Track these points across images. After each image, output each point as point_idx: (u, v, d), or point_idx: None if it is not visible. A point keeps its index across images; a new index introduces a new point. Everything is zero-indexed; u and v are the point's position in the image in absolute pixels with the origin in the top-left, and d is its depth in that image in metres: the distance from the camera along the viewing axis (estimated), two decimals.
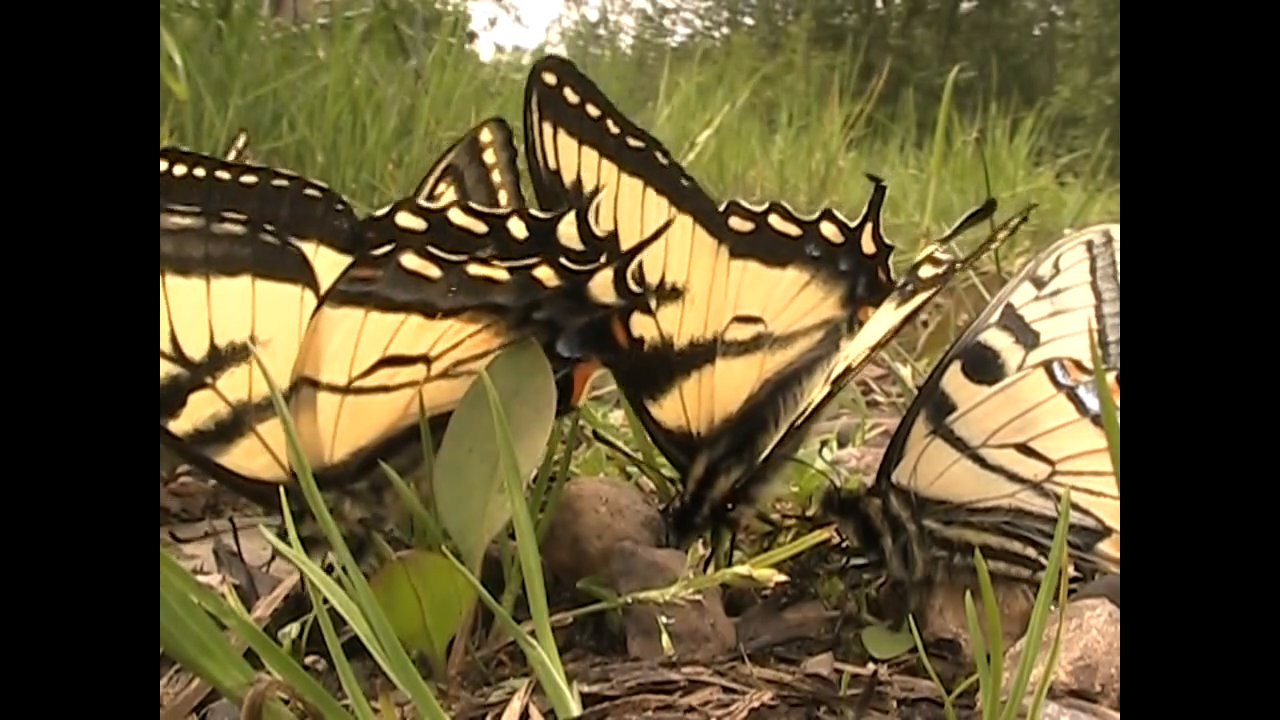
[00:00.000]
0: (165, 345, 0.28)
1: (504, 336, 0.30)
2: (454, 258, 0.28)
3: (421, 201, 0.29)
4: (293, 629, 0.30)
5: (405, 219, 0.29)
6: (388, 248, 0.28)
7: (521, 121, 0.33)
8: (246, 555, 0.34)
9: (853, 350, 0.31)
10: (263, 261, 0.29)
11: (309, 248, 0.29)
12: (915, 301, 0.30)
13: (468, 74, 1.16)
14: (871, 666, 0.30)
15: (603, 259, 0.29)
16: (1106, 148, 1.68)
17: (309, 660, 0.30)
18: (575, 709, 0.25)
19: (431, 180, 0.38)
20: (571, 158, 0.33)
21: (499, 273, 0.28)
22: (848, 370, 0.30)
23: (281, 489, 0.25)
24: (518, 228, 0.29)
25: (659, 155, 0.33)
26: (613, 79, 1.48)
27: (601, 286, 0.30)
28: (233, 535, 0.34)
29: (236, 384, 0.29)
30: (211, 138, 0.84)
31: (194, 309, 0.28)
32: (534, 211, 0.30)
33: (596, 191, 0.31)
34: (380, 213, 0.30)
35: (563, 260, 0.29)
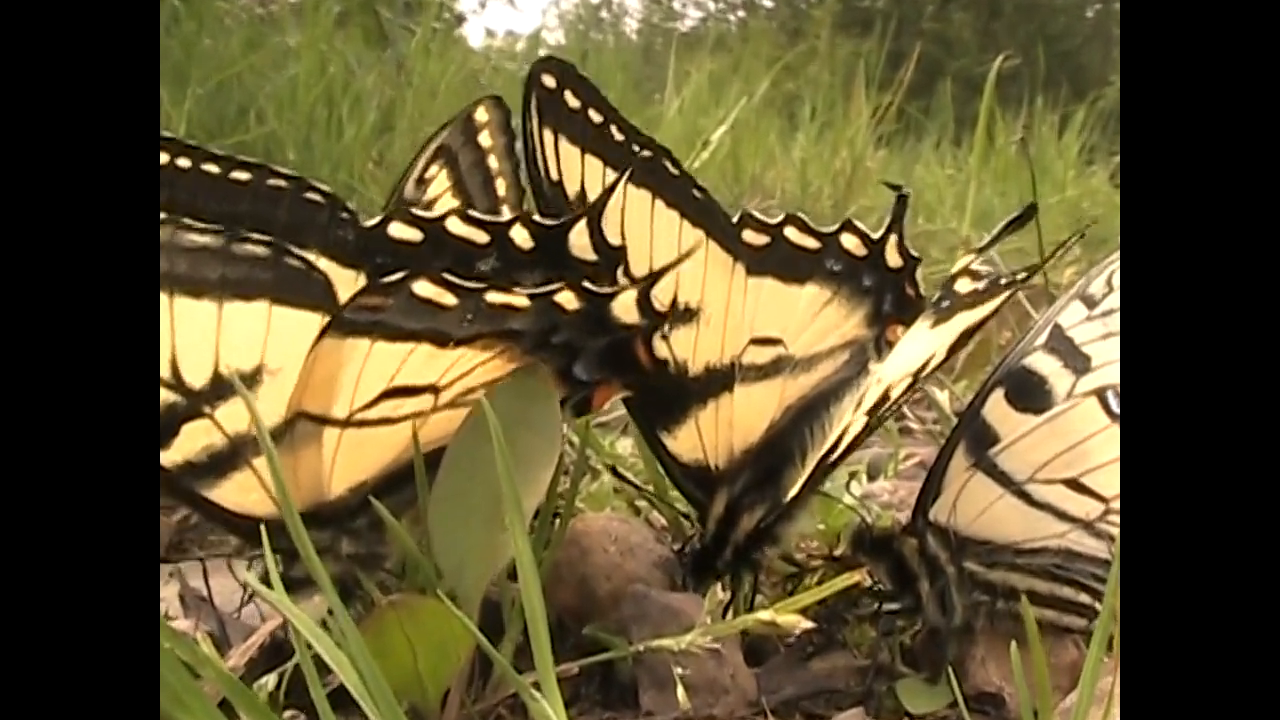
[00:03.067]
0: (165, 371, 0.29)
1: (518, 362, 0.31)
2: (472, 285, 0.29)
3: (417, 211, 0.30)
4: (269, 680, 0.30)
5: (399, 230, 0.30)
6: (400, 275, 0.28)
7: (520, 111, 0.33)
8: (216, 598, 0.34)
9: (886, 373, 0.32)
10: (284, 286, 0.29)
11: (308, 259, 0.30)
12: (963, 320, 0.30)
13: (455, 62, 1.16)
14: None
15: (624, 281, 0.30)
16: None
17: (287, 715, 0.30)
18: None
19: (422, 161, 0.39)
20: (574, 167, 0.33)
21: (519, 299, 0.29)
22: (885, 398, 0.31)
23: (263, 526, 0.26)
24: (523, 237, 0.30)
25: (668, 165, 0.34)
26: (617, 68, 1.46)
27: (624, 307, 0.30)
28: (202, 577, 0.35)
29: (237, 415, 0.30)
30: (170, 129, 0.83)
31: (202, 333, 0.29)
32: (540, 219, 0.30)
33: (609, 193, 0.31)
34: (371, 223, 0.30)
35: (586, 285, 0.29)
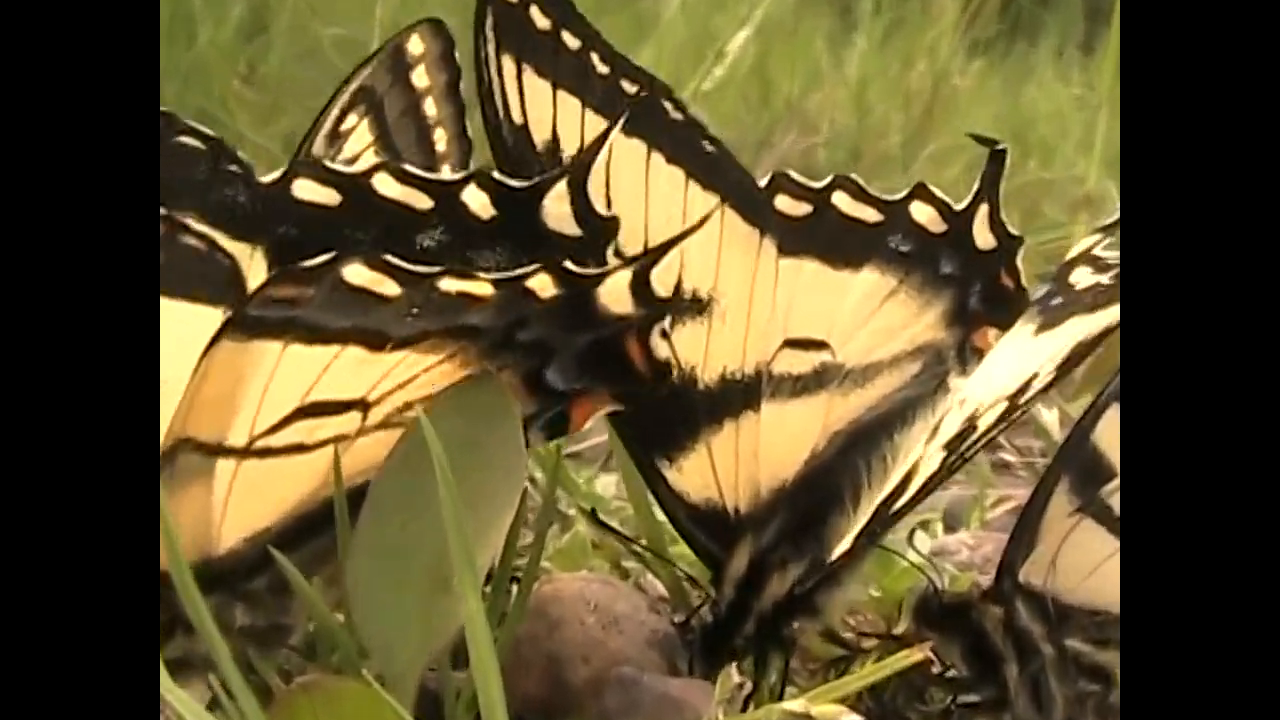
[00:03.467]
0: None
1: (473, 366, 0.33)
2: (423, 269, 0.30)
3: (333, 164, 0.32)
4: None
5: (309, 190, 0.32)
6: (326, 256, 0.30)
7: (472, 37, 0.36)
8: None
9: (973, 393, 0.34)
10: (175, 272, 0.31)
11: (212, 236, 0.32)
12: (1080, 326, 0.33)
13: None
14: None
15: (615, 261, 0.32)
16: None
17: None
18: None
19: (336, 110, 0.41)
20: (544, 108, 0.36)
21: (482, 286, 0.31)
22: (971, 427, 0.33)
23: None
24: (480, 202, 0.32)
25: (669, 106, 0.36)
26: None
27: (614, 294, 0.32)
28: None
29: None
30: None
31: None
32: (503, 178, 0.32)
33: (600, 143, 0.33)
34: (270, 179, 0.32)
35: (567, 266, 0.31)
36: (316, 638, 0.37)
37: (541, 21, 0.36)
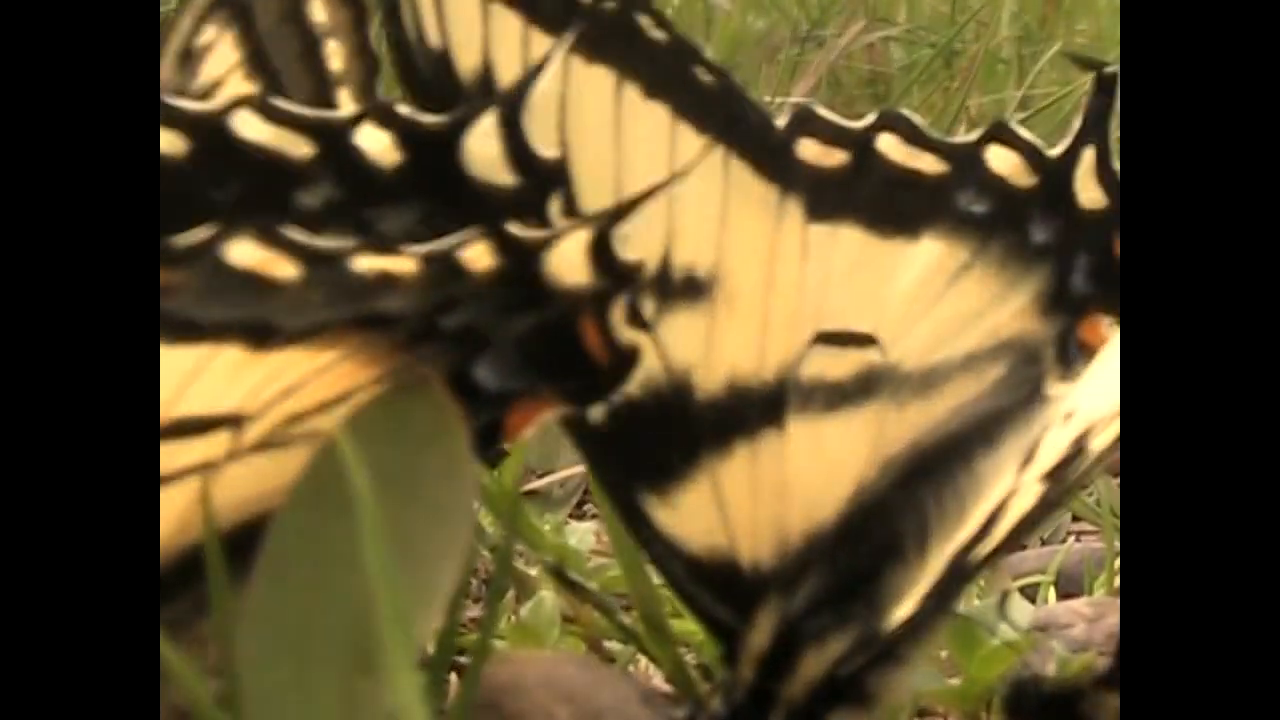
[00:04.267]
0: None
1: (379, 366, 0.28)
2: (329, 245, 0.26)
3: (180, 101, 0.27)
4: None
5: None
6: (205, 231, 0.26)
7: None
8: None
9: (1084, 405, 0.29)
10: None
11: None
12: None
13: None
14: None
15: (565, 223, 0.27)
16: None
17: None
18: None
19: (188, 21, 0.36)
20: (472, 25, 0.31)
21: (404, 263, 0.26)
22: (1081, 450, 0.28)
23: None
24: (381, 145, 0.27)
25: (645, 19, 0.31)
26: None
27: (566, 261, 0.27)
28: None
29: None
30: None
31: None
32: (411, 113, 0.28)
33: (538, 71, 0.29)
34: None
35: (510, 229, 0.27)
36: None
37: None
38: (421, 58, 0.31)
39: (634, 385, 0.31)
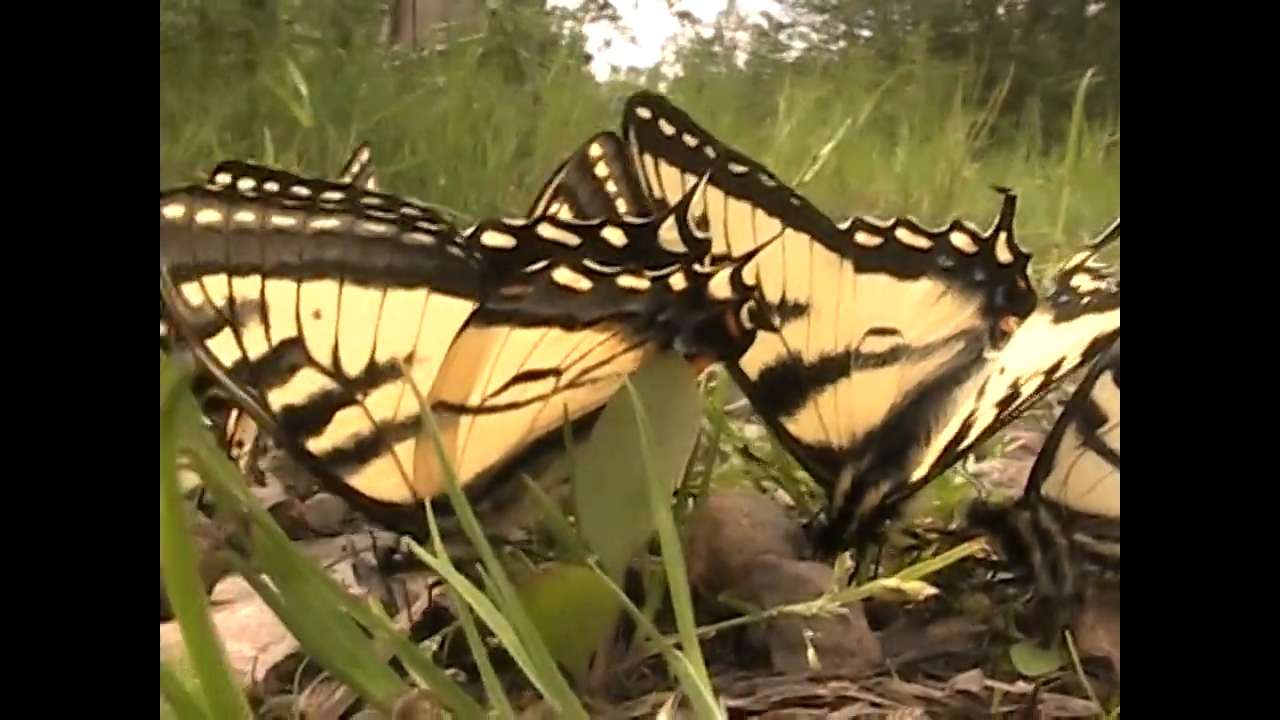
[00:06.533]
0: (324, 359, 0.36)
1: (628, 341, 0.39)
2: (607, 270, 0.36)
3: (505, 219, 0.37)
4: (431, 643, 0.39)
5: (492, 238, 0.37)
6: (541, 263, 0.35)
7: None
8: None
9: (1010, 363, 0.39)
10: (444, 274, 0.36)
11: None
12: (1094, 323, 0.37)
13: (584, 95, 1.51)
14: (1029, 684, 0.37)
15: (714, 260, 0.38)
16: None
17: (449, 673, 0.37)
18: None
19: (544, 201, 0.47)
20: (675, 187, 0.42)
21: (642, 282, 0.36)
22: (1015, 393, 0.37)
23: (428, 506, 0.33)
24: (615, 236, 0.37)
25: (763, 177, 0.42)
26: (730, 97, 1.94)
27: (719, 284, 0.38)
28: (372, 549, 0.44)
29: (384, 402, 0.36)
30: (335, 163, 1.08)
31: (363, 321, 0.36)
32: (630, 218, 0.38)
33: (692, 192, 0.38)
34: (467, 232, 0.37)
35: (695, 267, 0.37)
36: (537, 537, 0.42)
37: (668, 129, 0.43)
38: (650, 203, 0.43)
39: (770, 357, 0.44)
